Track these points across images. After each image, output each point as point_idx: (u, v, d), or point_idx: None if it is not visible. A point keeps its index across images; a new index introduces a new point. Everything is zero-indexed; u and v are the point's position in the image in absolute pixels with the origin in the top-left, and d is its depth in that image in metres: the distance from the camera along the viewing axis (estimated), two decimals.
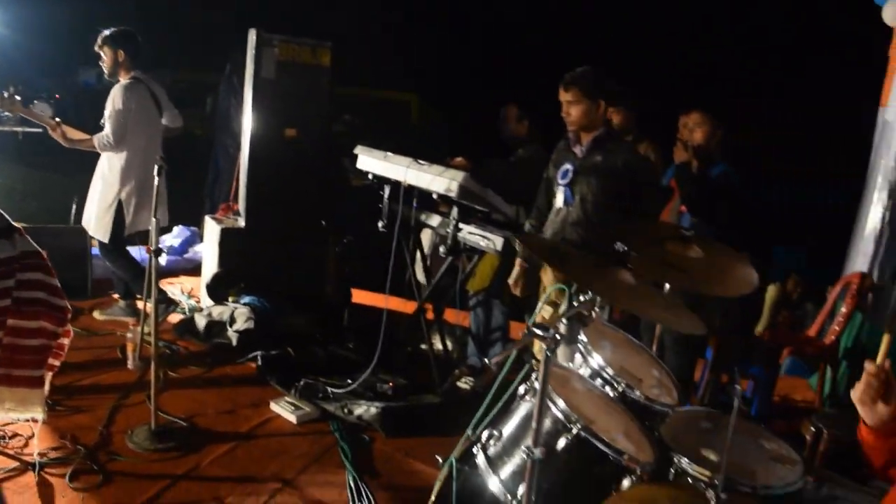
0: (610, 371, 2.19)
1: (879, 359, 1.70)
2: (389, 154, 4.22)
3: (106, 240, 4.82)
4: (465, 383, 4.32)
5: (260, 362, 4.43)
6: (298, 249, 5.10)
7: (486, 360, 3.99)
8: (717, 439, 2.29)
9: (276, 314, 4.81)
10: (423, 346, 4.51)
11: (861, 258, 4.65)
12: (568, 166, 3.54)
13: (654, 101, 4.82)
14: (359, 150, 4.44)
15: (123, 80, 4.76)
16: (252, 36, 5.00)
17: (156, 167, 3.49)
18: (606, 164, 3.44)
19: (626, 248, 1.90)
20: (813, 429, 3.34)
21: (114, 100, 4.68)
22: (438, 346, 4.52)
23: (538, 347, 2.98)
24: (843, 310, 4.54)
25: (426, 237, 5.02)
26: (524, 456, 1.69)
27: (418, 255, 4.67)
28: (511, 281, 3.80)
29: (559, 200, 3.58)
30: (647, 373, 2.38)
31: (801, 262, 5.36)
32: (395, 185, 4.15)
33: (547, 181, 3.76)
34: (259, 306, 4.81)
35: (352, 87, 8.53)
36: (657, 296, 1.84)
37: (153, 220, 3.49)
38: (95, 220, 4.85)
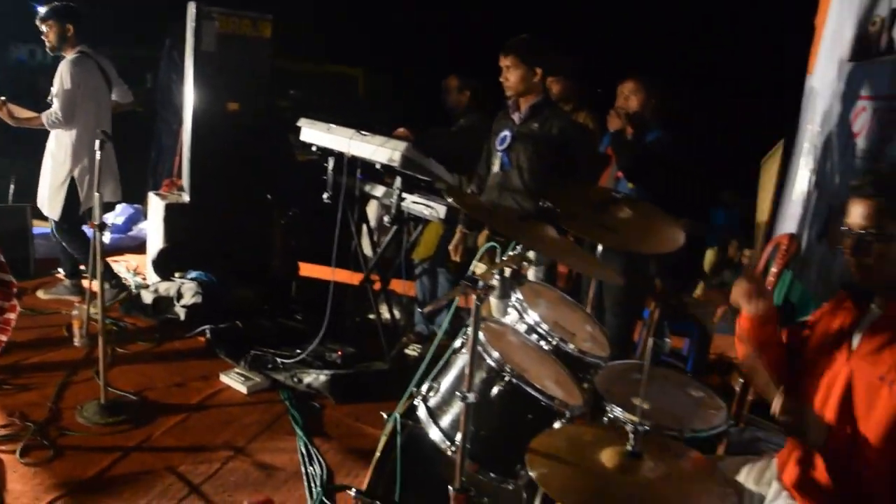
0: (544, 326, 2.30)
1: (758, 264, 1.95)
2: (333, 126, 4.25)
3: (59, 218, 4.76)
4: (412, 350, 4.42)
5: (209, 335, 4.46)
6: (244, 223, 5.10)
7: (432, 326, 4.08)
8: (647, 389, 2.44)
9: (223, 288, 4.84)
10: (371, 316, 4.60)
11: (790, 220, 4.84)
12: (506, 132, 3.65)
13: (596, 71, 4.91)
14: (302, 122, 4.46)
15: (70, 55, 4.65)
16: (191, 9, 4.94)
17: (97, 142, 3.46)
18: (542, 132, 3.54)
19: (550, 205, 2.01)
20: (741, 380, 3.52)
21: (62, 76, 4.57)
22: (386, 315, 4.60)
23: (488, 306, 3.11)
24: (774, 269, 4.75)
25: (372, 209, 5.09)
26: (461, 403, 1.80)
27: (364, 226, 4.73)
28: (451, 246, 3.92)
29: (496, 166, 3.68)
30: (580, 328, 2.50)
31: (735, 223, 5.55)
32: (339, 156, 4.19)
33: (488, 149, 3.85)
34: (206, 281, 4.83)
35: (298, 61, 8.45)
36: (578, 249, 1.96)
37: (96, 194, 3.48)
38: (49, 199, 4.77)
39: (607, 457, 1.57)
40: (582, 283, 4.02)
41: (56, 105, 4.57)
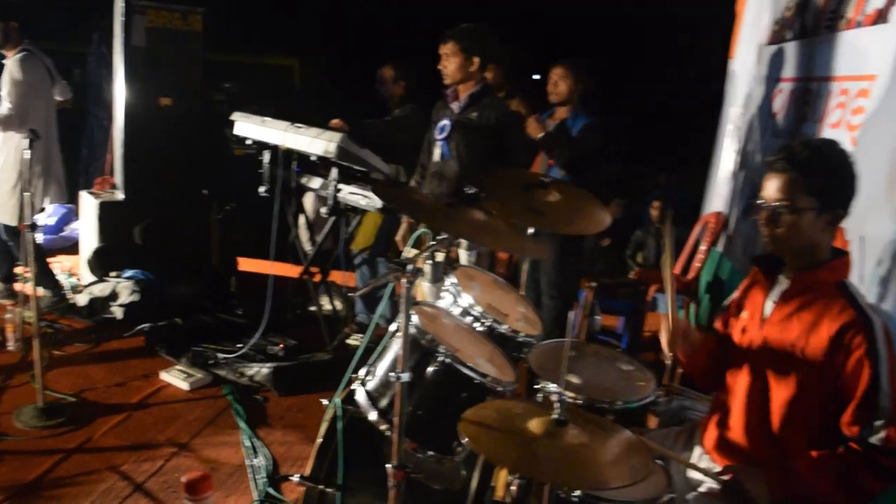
0: (478, 308, 2.36)
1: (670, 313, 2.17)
2: (267, 119, 4.25)
3: (15, 223, 4.63)
4: (354, 340, 4.45)
5: (148, 334, 4.42)
6: (180, 219, 5.05)
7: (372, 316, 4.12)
8: (579, 365, 2.53)
9: (161, 285, 4.79)
10: (312, 308, 4.61)
11: (717, 199, 5.03)
12: (445, 121, 3.69)
13: (528, 59, 5.01)
14: (235, 116, 4.44)
15: (13, 54, 4.57)
16: (120, 2, 4.85)
17: (27, 140, 3.37)
18: (481, 120, 3.61)
19: (476, 191, 2.08)
20: (671, 354, 3.66)
21: (11, 74, 4.50)
22: (327, 306, 4.62)
23: (421, 291, 3.16)
24: (703, 247, 4.94)
25: (308, 201, 5.09)
26: (397, 384, 1.86)
27: (302, 218, 4.74)
28: (399, 237, 3.97)
29: (436, 155, 3.73)
30: (513, 309, 2.58)
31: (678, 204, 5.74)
32: (275, 149, 4.19)
33: (429, 138, 3.90)
34: (143, 279, 4.77)
35: (232, 53, 8.35)
36: (505, 230, 2.03)
37: (25, 194, 3.40)
38: (0, 204, 4.65)
39: (535, 425, 1.64)
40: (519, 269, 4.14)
41: (6, 104, 4.48)
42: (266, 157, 4.24)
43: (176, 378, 3.95)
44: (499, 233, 2.04)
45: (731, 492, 1.94)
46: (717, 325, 2.30)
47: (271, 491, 3.09)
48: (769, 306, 2.04)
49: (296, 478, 2.34)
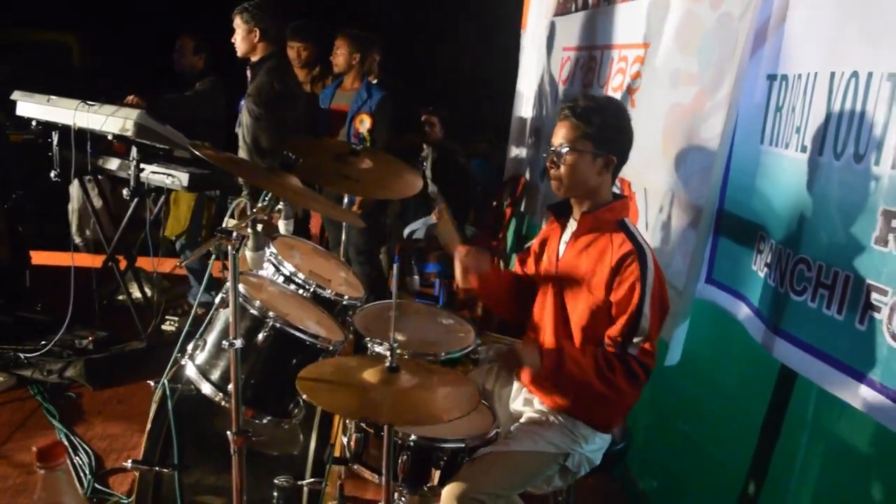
0: (301, 275, 2.42)
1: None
2: (53, 97, 3.96)
3: None
4: (169, 325, 4.32)
5: None
6: None
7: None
8: (403, 323, 2.66)
9: None
10: (121, 297, 4.40)
11: (516, 164, 5.37)
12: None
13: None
14: (17, 95, 4.09)
15: None
16: None
17: None
18: (255, 87, 3.81)
19: (293, 157, 2.12)
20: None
21: None
22: (137, 294, 4.43)
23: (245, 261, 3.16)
24: (507, 210, 5.26)
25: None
26: (229, 354, 1.88)
27: (101, 203, 4.48)
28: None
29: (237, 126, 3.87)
30: (335, 274, 2.66)
31: (492, 173, 5.97)
32: (65, 130, 3.91)
33: None
34: None
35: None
36: (319, 196, 2.09)
37: None
38: None
39: (369, 374, 1.74)
40: (330, 242, 4.28)
41: None
42: (55, 138, 3.95)
43: None
44: (317, 198, 2.09)
45: (508, 358, 2.26)
46: (517, 264, 2.53)
47: (98, 486, 2.97)
48: (562, 246, 2.28)
49: (128, 463, 2.27)
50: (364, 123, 4.23)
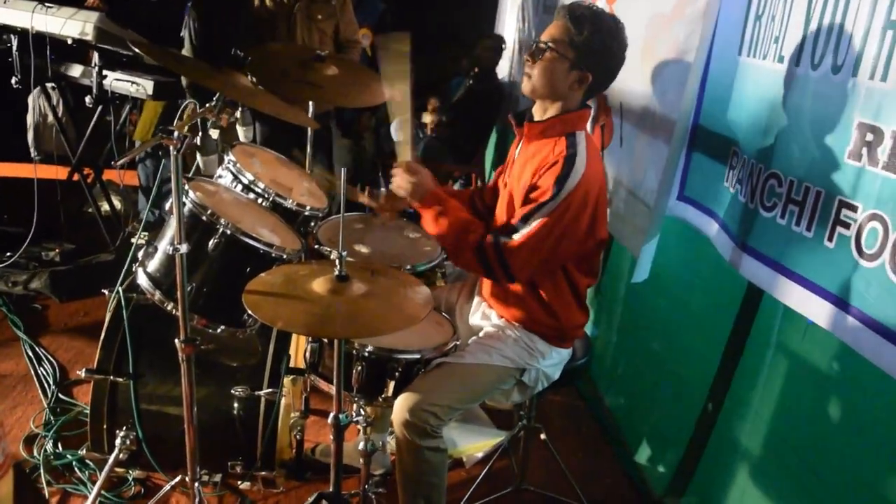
0: (260, 184, 2.34)
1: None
2: None
3: None
4: (140, 238, 4.23)
5: None
6: None
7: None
8: (367, 236, 2.61)
9: None
10: (89, 209, 4.30)
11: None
12: None
13: None
14: None
15: None
16: None
17: None
18: None
19: (241, 55, 2.01)
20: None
21: None
22: (105, 206, 4.33)
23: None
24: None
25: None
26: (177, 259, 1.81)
27: (64, 111, 4.32)
28: None
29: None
30: (297, 183, 2.58)
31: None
32: (24, 34, 3.73)
33: None
34: None
35: None
36: (272, 97, 1.99)
37: None
38: None
39: (319, 284, 1.68)
40: None
41: None
42: (14, 42, 3.77)
43: None
44: (268, 97, 1.99)
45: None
46: (494, 176, 2.45)
47: (62, 396, 2.96)
48: (517, 154, 2.21)
49: (82, 372, 2.24)
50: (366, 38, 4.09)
